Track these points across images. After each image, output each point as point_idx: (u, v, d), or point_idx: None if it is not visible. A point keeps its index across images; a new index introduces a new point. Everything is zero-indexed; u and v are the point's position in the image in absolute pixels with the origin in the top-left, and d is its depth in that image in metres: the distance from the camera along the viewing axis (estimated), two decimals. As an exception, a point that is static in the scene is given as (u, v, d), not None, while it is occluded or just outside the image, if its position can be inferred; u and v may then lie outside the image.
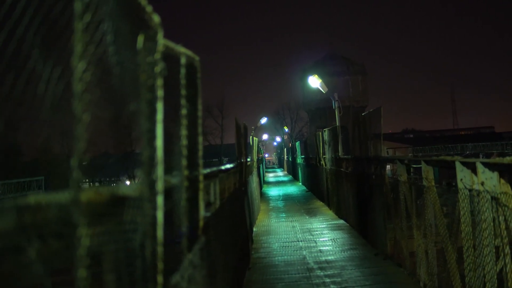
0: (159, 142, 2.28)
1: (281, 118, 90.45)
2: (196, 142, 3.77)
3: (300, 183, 35.07)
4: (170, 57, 2.95)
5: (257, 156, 25.74)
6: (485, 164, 5.75)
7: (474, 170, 5.98)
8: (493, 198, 5.61)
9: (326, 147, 18.59)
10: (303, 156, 31.66)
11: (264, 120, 44.25)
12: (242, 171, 10.55)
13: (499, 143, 63.51)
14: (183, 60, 3.00)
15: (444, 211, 7.41)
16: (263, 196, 26.91)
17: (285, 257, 10.85)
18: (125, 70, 2.01)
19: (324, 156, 19.41)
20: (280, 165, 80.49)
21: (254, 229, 14.71)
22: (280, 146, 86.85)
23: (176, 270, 2.81)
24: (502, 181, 5.64)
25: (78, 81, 1.53)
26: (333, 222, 15.53)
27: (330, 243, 12.08)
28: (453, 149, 68.14)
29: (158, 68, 2.28)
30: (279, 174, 57.67)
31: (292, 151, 45.53)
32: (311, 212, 18.43)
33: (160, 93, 2.29)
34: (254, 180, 17.44)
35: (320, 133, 20.49)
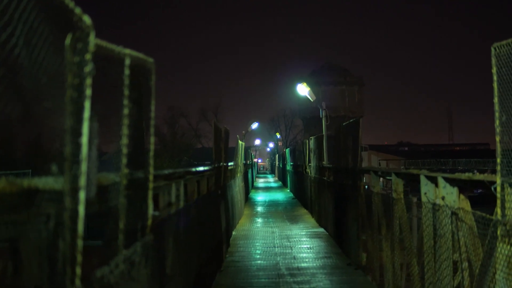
0: (85, 139, 2.35)
1: (276, 124, 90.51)
2: (148, 142, 3.85)
3: (288, 190, 35.13)
4: (115, 59, 3.04)
5: (245, 161, 25.78)
6: (446, 179, 5.84)
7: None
8: (453, 213, 5.70)
9: (312, 155, 18.69)
10: (292, 163, 31.75)
11: (255, 125, 44.28)
12: (220, 175, 10.61)
13: (493, 160, 63.49)
14: (127, 61, 3.08)
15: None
16: (249, 201, 26.97)
17: (259, 261, 10.91)
18: (44, 69, 2.09)
19: (310, 164, 19.50)
20: (272, 171, 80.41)
21: (234, 233, 14.76)
22: (273, 152, 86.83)
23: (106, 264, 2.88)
24: (462, 196, 5.74)
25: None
26: (312, 230, 15.60)
27: (306, 251, 12.14)
28: (446, 164, 68.11)
29: (88, 68, 2.36)
30: (270, 180, 57.69)
31: (283, 158, 45.57)
32: (293, 219, 18.49)
33: (88, 92, 2.37)
34: (237, 185, 17.50)
35: (307, 141, 20.58)
